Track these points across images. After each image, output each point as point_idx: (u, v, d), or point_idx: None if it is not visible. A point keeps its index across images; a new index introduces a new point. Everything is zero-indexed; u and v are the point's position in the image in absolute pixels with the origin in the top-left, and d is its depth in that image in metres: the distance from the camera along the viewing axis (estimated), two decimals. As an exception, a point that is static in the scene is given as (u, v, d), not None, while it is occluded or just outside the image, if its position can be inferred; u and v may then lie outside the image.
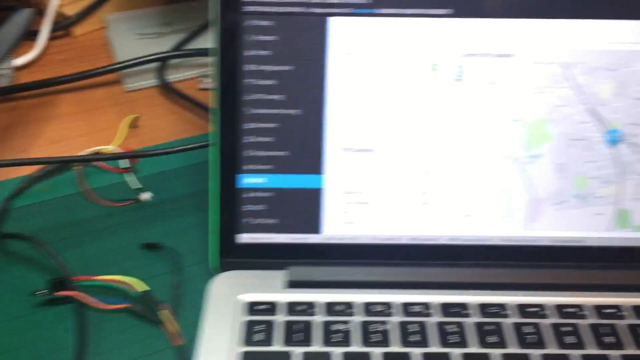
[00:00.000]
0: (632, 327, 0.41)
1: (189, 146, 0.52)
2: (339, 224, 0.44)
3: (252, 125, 0.42)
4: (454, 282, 0.43)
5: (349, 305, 0.42)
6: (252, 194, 0.43)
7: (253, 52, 0.41)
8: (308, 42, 0.41)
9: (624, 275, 0.44)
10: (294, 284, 0.43)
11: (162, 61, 0.64)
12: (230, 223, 0.43)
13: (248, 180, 0.43)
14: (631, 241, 0.44)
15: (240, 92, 0.41)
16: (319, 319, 0.41)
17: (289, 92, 0.41)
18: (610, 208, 0.43)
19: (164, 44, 0.65)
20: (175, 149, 0.52)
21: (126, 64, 0.62)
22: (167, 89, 0.63)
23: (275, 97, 0.41)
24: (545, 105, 0.42)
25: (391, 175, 0.43)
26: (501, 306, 0.42)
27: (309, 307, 0.41)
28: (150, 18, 0.70)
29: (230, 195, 0.43)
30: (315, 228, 0.44)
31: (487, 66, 0.41)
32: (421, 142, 0.42)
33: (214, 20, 0.40)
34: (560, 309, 0.42)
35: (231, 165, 0.42)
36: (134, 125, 0.58)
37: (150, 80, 0.64)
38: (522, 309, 0.42)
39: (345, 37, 0.41)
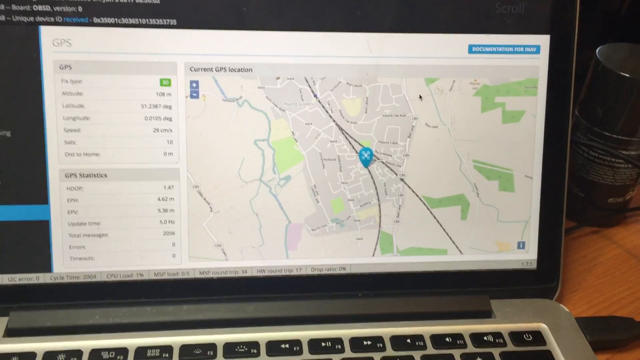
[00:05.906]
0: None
1: None
2: (72, 260, 0.38)
3: (-43, 149, 0.36)
4: (205, 320, 0.39)
5: (75, 353, 0.36)
6: (-41, 229, 0.37)
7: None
8: (15, 53, 0.36)
9: (391, 303, 0.41)
10: (14, 332, 0.37)
11: None
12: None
13: (-44, 214, 0.37)
14: (395, 267, 0.41)
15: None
16: (34, 372, 0.35)
17: (-5, 110, 0.36)
18: (371, 232, 0.41)
19: None
20: None
21: None
22: None
23: (-22, 116, 0.36)
24: (291, 123, 0.39)
25: (128, 203, 0.38)
26: (252, 344, 0.38)
27: (24, 359, 0.36)
28: None
29: None
30: (44, 266, 0.38)
31: (223, 82, 0.38)
32: (159, 166, 0.38)
33: None
34: (319, 343, 0.38)
35: None
36: None
37: None
38: (276, 345, 0.38)
39: (61, 49, 0.36)
